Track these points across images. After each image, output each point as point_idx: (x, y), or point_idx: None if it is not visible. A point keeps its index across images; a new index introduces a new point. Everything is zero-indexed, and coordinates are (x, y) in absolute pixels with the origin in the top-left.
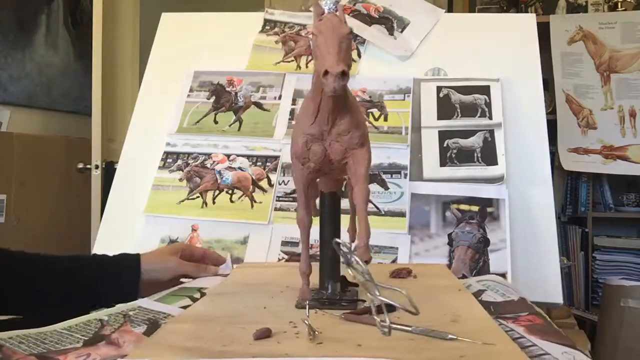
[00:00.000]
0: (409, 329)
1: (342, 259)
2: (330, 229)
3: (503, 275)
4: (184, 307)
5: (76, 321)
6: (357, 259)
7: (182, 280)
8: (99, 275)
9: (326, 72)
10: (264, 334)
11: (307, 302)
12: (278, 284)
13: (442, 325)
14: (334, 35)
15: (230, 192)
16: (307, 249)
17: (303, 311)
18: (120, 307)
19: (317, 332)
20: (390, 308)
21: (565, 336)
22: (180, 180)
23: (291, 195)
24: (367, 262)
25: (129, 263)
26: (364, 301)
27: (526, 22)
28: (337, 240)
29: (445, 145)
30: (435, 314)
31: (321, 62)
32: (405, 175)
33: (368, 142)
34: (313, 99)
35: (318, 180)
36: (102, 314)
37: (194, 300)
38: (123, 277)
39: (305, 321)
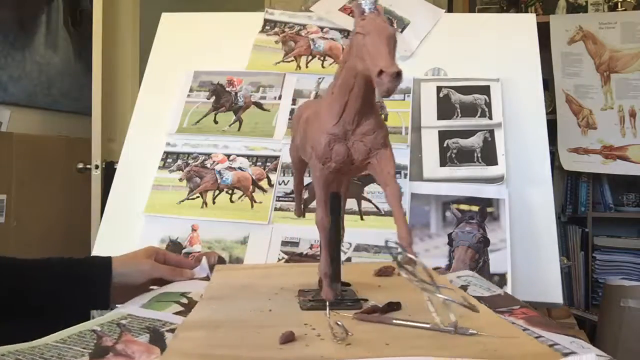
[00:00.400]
0: (451, 328)
1: (396, 260)
2: (332, 229)
3: (503, 275)
4: (178, 313)
5: (67, 333)
6: (418, 258)
7: (152, 287)
8: (70, 278)
9: (381, 72)
10: (289, 338)
11: (329, 302)
12: (269, 285)
13: (434, 321)
14: (382, 35)
15: (230, 192)
16: (327, 250)
17: (311, 313)
18: (109, 315)
19: (349, 334)
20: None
21: (562, 327)
22: (180, 180)
23: (291, 195)
24: (411, 263)
25: (100, 266)
26: (366, 300)
27: (526, 22)
28: (391, 240)
29: (445, 145)
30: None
31: (373, 62)
32: (405, 175)
33: (389, 142)
34: (338, 99)
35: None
36: (92, 324)
37: (184, 305)
38: (94, 280)
39: (338, 322)
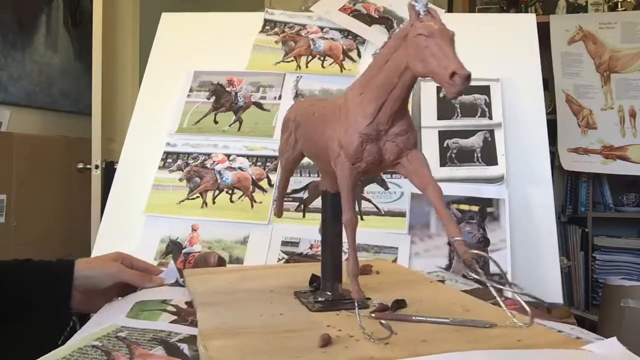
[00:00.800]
0: (474, 323)
1: (462, 258)
2: (333, 229)
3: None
4: (174, 322)
5: (68, 351)
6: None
7: (118, 298)
8: (30, 280)
9: (453, 74)
10: (328, 341)
11: (358, 302)
12: (256, 289)
13: (462, 315)
14: (447, 37)
15: (230, 192)
16: (355, 251)
17: (322, 314)
18: (103, 329)
19: (394, 333)
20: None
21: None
22: (180, 180)
23: (291, 196)
24: (468, 260)
25: (61, 268)
26: (369, 299)
27: (526, 22)
28: (456, 238)
29: (445, 145)
30: (444, 305)
31: (443, 65)
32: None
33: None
34: (374, 99)
35: (320, 180)
36: (88, 340)
37: (175, 313)
38: (54, 283)
39: (382, 322)
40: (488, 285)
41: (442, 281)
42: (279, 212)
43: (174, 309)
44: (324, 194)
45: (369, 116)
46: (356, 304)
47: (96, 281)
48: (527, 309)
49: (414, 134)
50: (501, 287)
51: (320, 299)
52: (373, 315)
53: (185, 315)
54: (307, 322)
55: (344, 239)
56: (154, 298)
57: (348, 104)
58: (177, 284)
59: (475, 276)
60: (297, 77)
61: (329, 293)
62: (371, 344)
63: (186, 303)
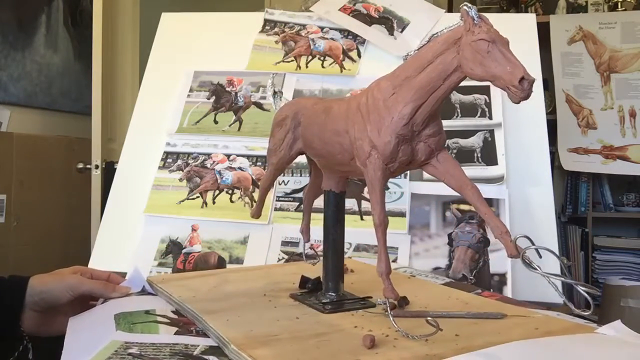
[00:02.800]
0: (487, 315)
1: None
2: (336, 229)
3: (503, 275)
4: (178, 334)
5: None
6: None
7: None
8: None
9: (522, 79)
10: (373, 342)
11: (389, 301)
12: (247, 293)
13: (464, 308)
14: (506, 43)
15: (230, 192)
16: (386, 249)
17: (337, 315)
18: (106, 348)
19: (440, 330)
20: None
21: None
22: (180, 180)
23: (291, 196)
24: (516, 256)
25: (11, 284)
26: (370, 297)
27: (526, 22)
28: (504, 234)
29: (445, 145)
30: (441, 300)
31: (510, 70)
32: (405, 175)
33: None
34: (412, 100)
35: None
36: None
37: (173, 324)
38: (2, 299)
39: (428, 319)
40: (546, 277)
41: (413, 276)
42: (257, 213)
43: (167, 320)
44: (326, 194)
45: (406, 117)
46: (387, 304)
47: (54, 296)
48: (589, 298)
49: (444, 135)
50: (561, 278)
51: (324, 300)
52: (391, 313)
53: (185, 325)
54: (329, 325)
55: (346, 240)
56: (134, 309)
57: (378, 104)
58: (144, 292)
59: (534, 270)
60: (272, 74)
61: (332, 294)
62: (414, 342)
63: (174, 312)
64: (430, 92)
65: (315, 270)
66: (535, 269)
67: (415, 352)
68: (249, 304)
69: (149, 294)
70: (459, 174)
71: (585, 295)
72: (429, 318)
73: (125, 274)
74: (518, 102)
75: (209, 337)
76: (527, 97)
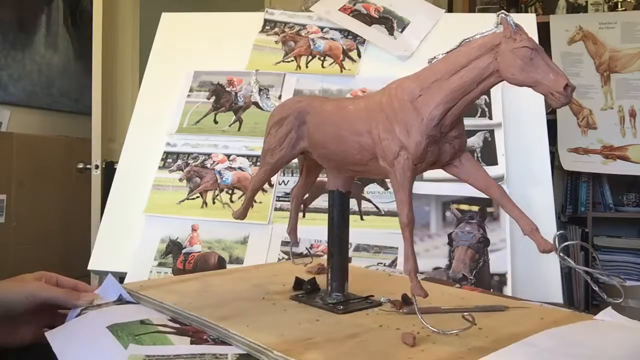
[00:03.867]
0: (492, 308)
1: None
2: (342, 228)
3: (503, 275)
4: (194, 343)
5: None
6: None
7: (45, 329)
8: None
9: (566, 86)
10: (415, 340)
11: (415, 299)
12: (243, 297)
13: (462, 302)
14: (544, 51)
15: (230, 192)
16: (413, 248)
17: (354, 315)
18: None
19: (475, 324)
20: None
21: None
22: (180, 180)
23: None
24: (549, 250)
25: None
26: (372, 296)
27: (526, 22)
28: (534, 231)
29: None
30: (438, 296)
31: (552, 77)
32: None
33: None
34: (445, 102)
35: (327, 179)
36: None
37: (179, 334)
38: None
39: (464, 315)
40: (580, 271)
41: (390, 274)
42: (242, 214)
43: (171, 329)
44: (332, 194)
45: (436, 118)
46: (415, 302)
47: (12, 304)
48: (621, 290)
49: (466, 137)
50: (593, 271)
51: (331, 301)
52: (405, 311)
53: (195, 333)
54: (355, 326)
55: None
56: (127, 320)
57: (405, 105)
58: (121, 301)
59: (569, 265)
60: (255, 71)
61: (339, 294)
62: (447, 338)
63: (172, 320)
64: (462, 95)
65: (291, 273)
66: (570, 263)
67: (457, 347)
68: (256, 308)
69: (128, 302)
70: (483, 175)
71: (619, 286)
72: (465, 314)
73: (125, 274)
74: (559, 107)
75: (229, 344)
76: (568, 102)
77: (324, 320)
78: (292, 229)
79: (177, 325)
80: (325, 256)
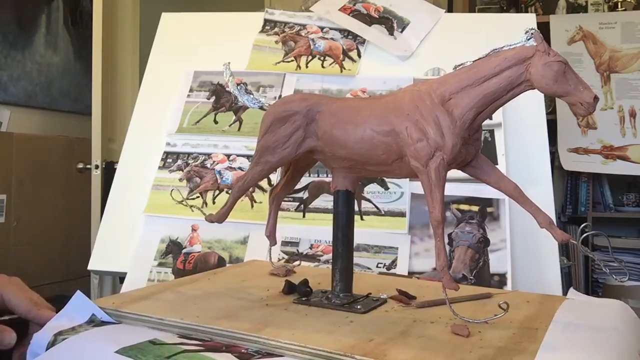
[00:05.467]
0: (482, 295)
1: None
2: (349, 228)
3: (503, 275)
4: (241, 359)
5: None
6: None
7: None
8: None
9: (596, 98)
10: (468, 330)
11: (447, 293)
12: (243, 305)
13: (452, 295)
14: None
15: (230, 192)
16: (444, 244)
17: (375, 313)
18: None
19: (507, 311)
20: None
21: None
22: (180, 180)
23: (291, 196)
24: (566, 240)
25: None
26: (370, 294)
27: (526, 22)
28: (551, 225)
29: None
30: (433, 291)
31: (582, 90)
32: None
33: None
34: (477, 106)
35: (332, 178)
36: None
37: (210, 350)
38: None
39: (500, 304)
40: (598, 260)
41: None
42: (222, 218)
43: (199, 346)
44: (338, 194)
45: (469, 121)
46: (447, 296)
47: None
48: (626, 270)
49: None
50: (610, 262)
51: (339, 302)
52: (420, 304)
53: (228, 348)
54: (392, 323)
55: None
56: (134, 342)
57: (435, 108)
58: (94, 321)
59: (587, 253)
60: (226, 63)
61: (347, 294)
62: (481, 326)
63: (181, 337)
64: (493, 100)
65: (255, 277)
66: (587, 252)
67: (500, 334)
68: (274, 314)
69: (108, 323)
70: (499, 174)
71: (623, 266)
72: (501, 302)
73: (125, 274)
74: (585, 115)
75: (278, 355)
76: (593, 112)
77: (359, 321)
78: (271, 231)
79: (197, 342)
80: (295, 262)
